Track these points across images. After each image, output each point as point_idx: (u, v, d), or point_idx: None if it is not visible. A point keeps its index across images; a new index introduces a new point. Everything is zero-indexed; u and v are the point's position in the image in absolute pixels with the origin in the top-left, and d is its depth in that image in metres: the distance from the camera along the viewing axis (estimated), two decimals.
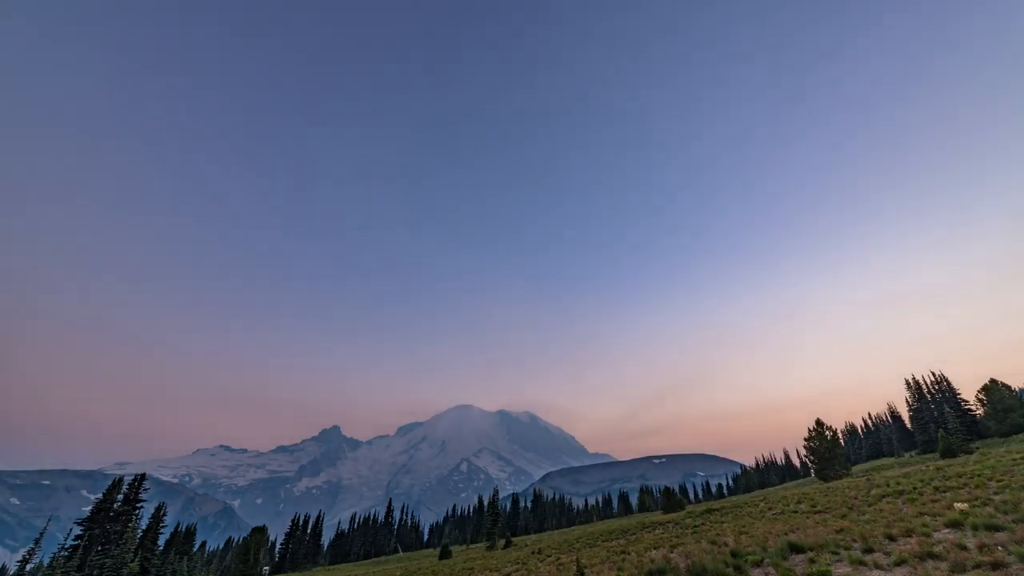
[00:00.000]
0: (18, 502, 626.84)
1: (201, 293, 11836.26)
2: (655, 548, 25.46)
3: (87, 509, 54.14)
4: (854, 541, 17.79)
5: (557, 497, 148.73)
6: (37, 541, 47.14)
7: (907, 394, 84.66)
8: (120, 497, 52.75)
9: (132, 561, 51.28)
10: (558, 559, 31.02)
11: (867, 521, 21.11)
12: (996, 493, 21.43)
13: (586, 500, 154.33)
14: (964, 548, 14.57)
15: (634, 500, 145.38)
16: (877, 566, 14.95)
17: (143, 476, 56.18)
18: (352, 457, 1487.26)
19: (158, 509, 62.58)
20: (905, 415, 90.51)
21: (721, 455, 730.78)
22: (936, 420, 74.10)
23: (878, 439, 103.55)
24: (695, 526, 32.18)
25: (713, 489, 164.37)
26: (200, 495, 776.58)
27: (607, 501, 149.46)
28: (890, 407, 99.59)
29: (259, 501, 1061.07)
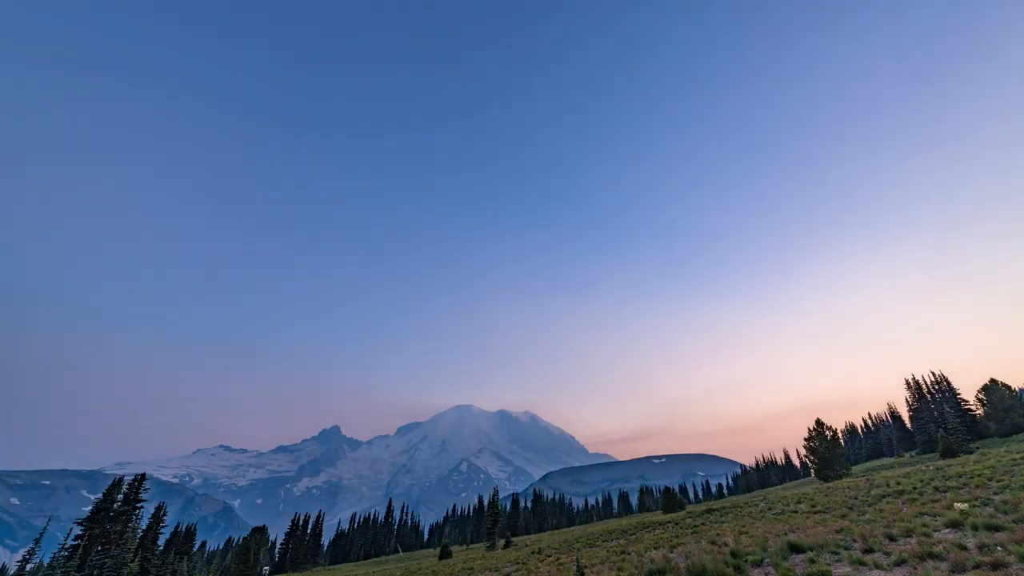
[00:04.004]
0: (18, 502, 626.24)
1: (201, 293, 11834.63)
2: (655, 548, 25.46)
3: (87, 509, 54.10)
4: (854, 541, 17.80)
5: (557, 497, 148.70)
6: (37, 541, 47.19)
7: (907, 394, 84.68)
8: (120, 497, 52.69)
9: (132, 561, 51.27)
10: (558, 559, 31.01)
11: (867, 521, 21.12)
12: (996, 493, 21.44)
13: (586, 500, 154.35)
14: (964, 548, 14.57)
15: (634, 500, 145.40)
16: (877, 566, 14.96)
17: (143, 476, 56.11)
18: (352, 457, 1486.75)
19: (158, 509, 62.53)
20: (905, 415, 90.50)
21: (721, 455, 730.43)
22: (936, 420, 74.10)
23: (878, 439, 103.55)
24: (695, 526, 32.18)
25: (713, 489, 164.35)
26: (200, 495, 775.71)
27: (607, 501, 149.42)
28: (890, 407, 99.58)
29: (259, 501, 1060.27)
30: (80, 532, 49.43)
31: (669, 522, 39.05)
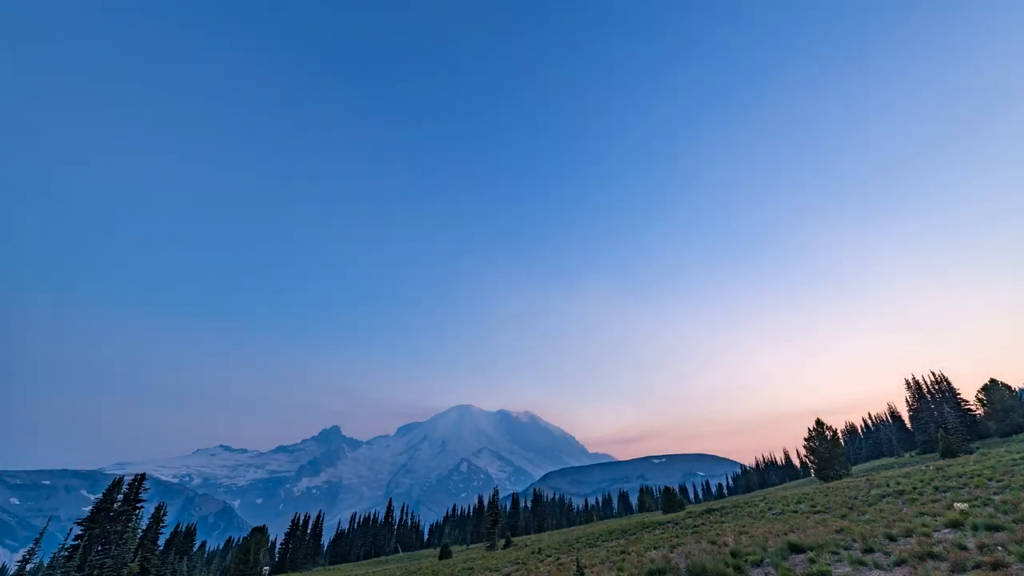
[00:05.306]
0: (18, 502, 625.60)
1: (201, 293, 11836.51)
2: (655, 548, 25.47)
3: (87, 509, 54.09)
4: (854, 541, 17.80)
5: (557, 497, 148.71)
6: (37, 541, 47.12)
7: (907, 394, 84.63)
8: (120, 497, 52.65)
9: (132, 561, 51.26)
10: (558, 559, 31.02)
11: (867, 521, 21.13)
12: (996, 493, 21.44)
13: (586, 500, 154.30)
14: (964, 548, 14.58)
15: (634, 500, 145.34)
16: (877, 566, 14.96)
17: (143, 476, 56.07)
18: (352, 457, 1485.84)
19: (158, 509, 62.52)
20: (905, 415, 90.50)
21: (721, 455, 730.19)
22: (936, 420, 74.05)
23: (878, 439, 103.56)
24: (695, 526, 32.17)
25: (713, 489, 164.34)
26: (200, 495, 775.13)
27: (607, 501, 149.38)
28: (890, 407, 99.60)
29: (259, 501, 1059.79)
30: (80, 532, 49.40)
31: (669, 522, 39.05)
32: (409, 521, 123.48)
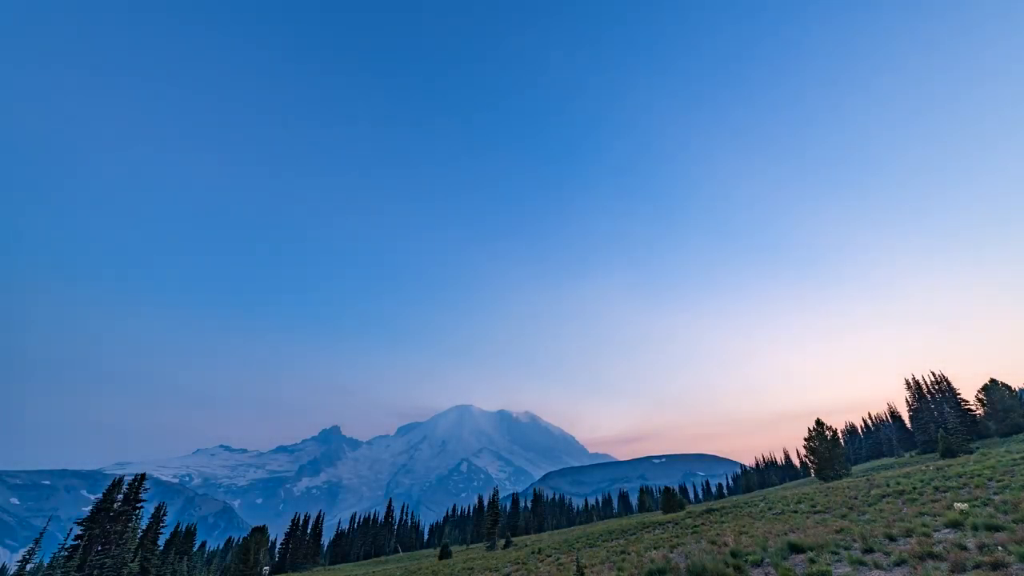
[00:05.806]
0: (18, 502, 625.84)
1: (200, 292, 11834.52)
2: (655, 548, 25.47)
3: (87, 509, 54.10)
4: (854, 541, 17.80)
5: (557, 497, 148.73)
6: (37, 541, 47.17)
7: (907, 394, 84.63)
8: (120, 497, 52.67)
9: (132, 561, 51.28)
10: (558, 559, 31.03)
11: (867, 521, 21.13)
12: (996, 493, 21.44)
13: (586, 500, 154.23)
14: (964, 548, 14.57)
15: (634, 500, 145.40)
16: (877, 566, 14.96)
17: (143, 476, 56.09)
18: (352, 457, 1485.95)
19: (158, 509, 62.57)
20: (905, 415, 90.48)
21: (721, 455, 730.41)
22: (936, 420, 74.06)
23: (878, 439, 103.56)
24: (695, 526, 32.17)
25: (713, 489, 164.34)
26: (200, 495, 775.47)
27: (607, 501, 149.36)
28: (890, 407, 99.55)
29: (259, 501, 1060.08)
30: (80, 532, 49.42)
31: (669, 522, 39.05)
32: (409, 521, 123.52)
